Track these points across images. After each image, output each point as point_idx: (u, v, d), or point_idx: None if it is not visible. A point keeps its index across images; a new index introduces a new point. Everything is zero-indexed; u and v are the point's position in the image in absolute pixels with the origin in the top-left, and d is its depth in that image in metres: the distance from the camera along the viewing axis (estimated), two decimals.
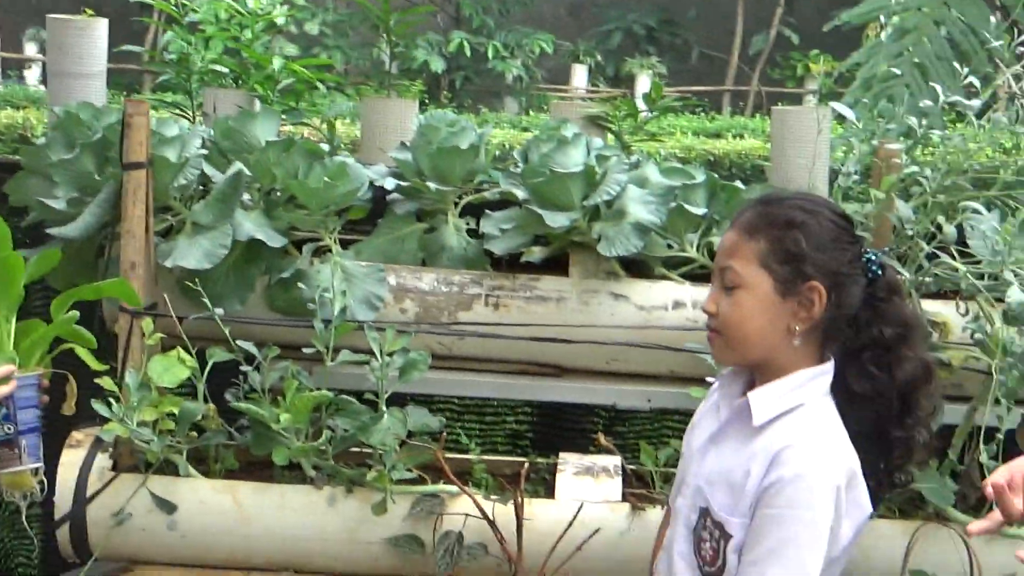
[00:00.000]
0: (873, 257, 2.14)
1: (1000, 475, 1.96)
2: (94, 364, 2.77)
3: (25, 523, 2.80)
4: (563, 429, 3.75)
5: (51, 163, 3.28)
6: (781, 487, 2.01)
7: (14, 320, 2.58)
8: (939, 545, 3.01)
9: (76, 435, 3.11)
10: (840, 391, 2.14)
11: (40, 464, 2.58)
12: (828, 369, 2.12)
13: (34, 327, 2.61)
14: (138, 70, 12.33)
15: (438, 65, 13.14)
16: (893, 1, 5.43)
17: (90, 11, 4.37)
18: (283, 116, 3.89)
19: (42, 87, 12.23)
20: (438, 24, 14.59)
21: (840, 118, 3.85)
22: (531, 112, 12.88)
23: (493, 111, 12.81)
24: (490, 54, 13.77)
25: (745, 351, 2.13)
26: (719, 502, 2.09)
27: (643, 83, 14.87)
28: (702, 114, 11.80)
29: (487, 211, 3.44)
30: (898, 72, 4.20)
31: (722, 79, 15.54)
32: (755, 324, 2.09)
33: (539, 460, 3.35)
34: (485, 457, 3.31)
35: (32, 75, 13.97)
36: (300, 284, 3.21)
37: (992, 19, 3.05)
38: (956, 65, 3.13)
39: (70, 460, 3.03)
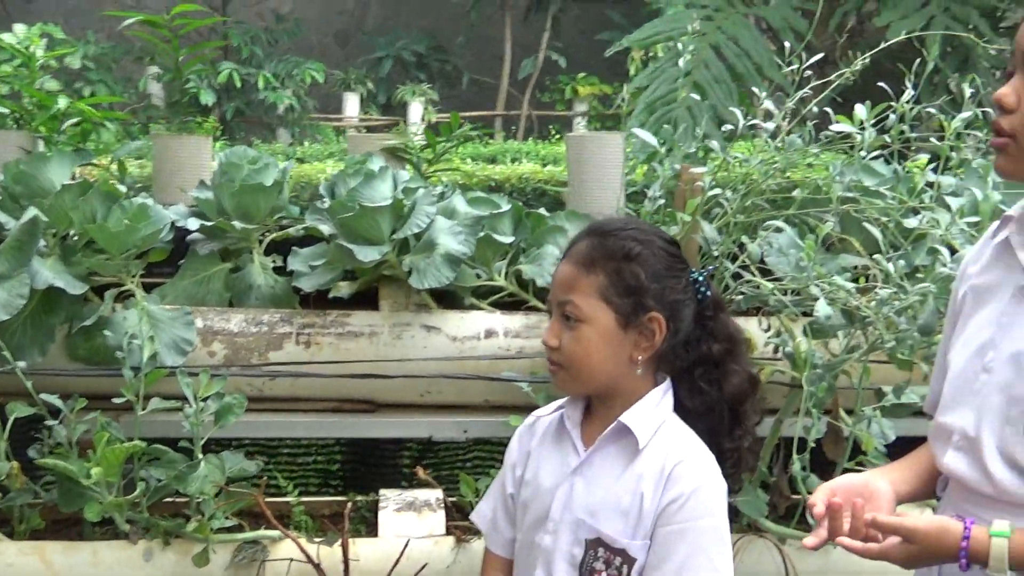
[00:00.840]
0: (700, 278, 2.19)
1: (824, 495, 2.02)
2: None
3: None
4: (375, 465, 3.71)
5: None
6: (683, 502, 2.06)
7: None
8: (756, 555, 3.09)
9: None
10: (674, 408, 2.19)
11: None
12: (670, 384, 2.17)
13: None
14: None
15: (208, 97, 12.88)
16: (671, 27, 5.61)
17: None
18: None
19: None
20: (206, 55, 14.34)
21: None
22: (306, 143, 12.79)
23: (265, 142, 12.66)
24: (261, 84, 13.59)
25: (589, 382, 2.15)
26: (614, 529, 2.10)
27: (415, 110, 14.94)
28: (477, 140, 11.91)
29: (295, 248, 3.39)
30: (696, 97, 4.32)
31: (493, 104, 15.72)
32: (599, 357, 2.12)
33: (359, 498, 3.31)
34: (304, 499, 3.26)
35: None
36: (104, 331, 3.10)
37: (787, 44, 3.15)
38: (755, 90, 3.22)
39: None
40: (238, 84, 13.35)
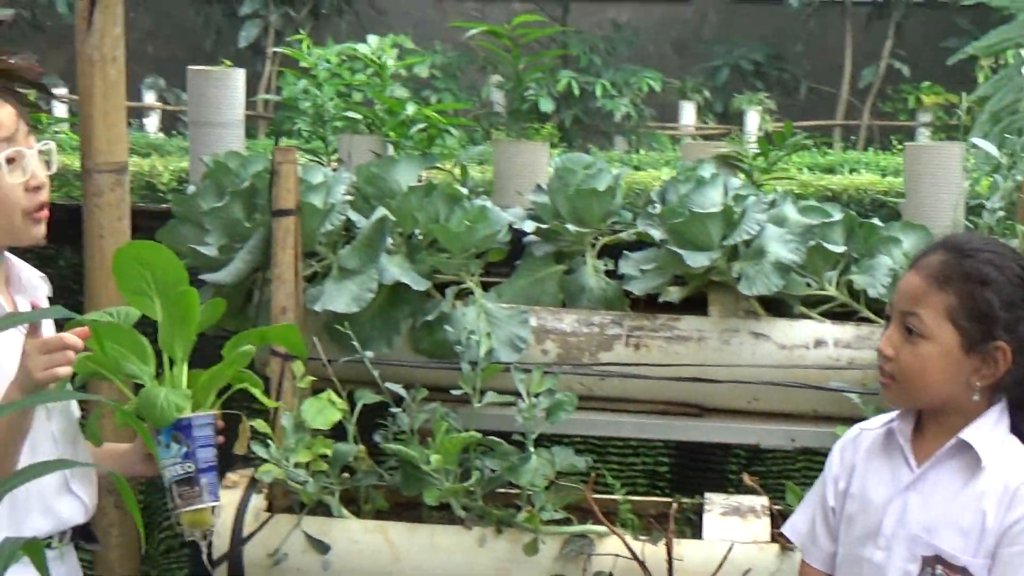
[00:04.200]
0: None
1: None
2: (266, 401, 2.83)
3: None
4: (702, 470, 3.75)
5: (203, 211, 3.37)
6: None
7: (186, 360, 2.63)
8: None
9: (231, 477, 3.18)
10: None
11: (218, 502, 2.60)
12: (1006, 404, 2.12)
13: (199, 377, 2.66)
14: (255, 116, 12.60)
15: (547, 105, 13.20)
16: (1020, 33, 5.40)
17: (228, 61, 4.49)
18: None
19: (162, 135, 12.54)
20: (544, 64, 14.69)
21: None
22: (642, 151, 12.91)
23: (602, 150, 12.86)
24: (598, 93, 13.82)
25: (920, 398, 2.14)
26: (954, 547, 2.08)
27: (752, 119, 14.83)
28: (814, 149, 11.74)
29: (626, 252, 3.47)
30: None
31: (832, 113, 15.45)
32: (935, 376, 2.09)
33: (684, 500, 3.35)
34: (631, 497, 3.32)
35: (151, 123, 14.34)
36: (445, 327, 3.26)
37: None
38: None
39: (226, 501, 3.09)
40: (576, 92, 13.62)
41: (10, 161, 2.46)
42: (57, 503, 2.58)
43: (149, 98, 15.26)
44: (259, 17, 15.35)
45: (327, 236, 3.38)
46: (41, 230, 2.55)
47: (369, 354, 3.16)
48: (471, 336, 3.14)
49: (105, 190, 3.41)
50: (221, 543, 3.07)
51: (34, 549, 1.64)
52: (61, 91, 9.93)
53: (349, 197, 3.47)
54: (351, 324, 3.21)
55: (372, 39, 4.56)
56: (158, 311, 2.55)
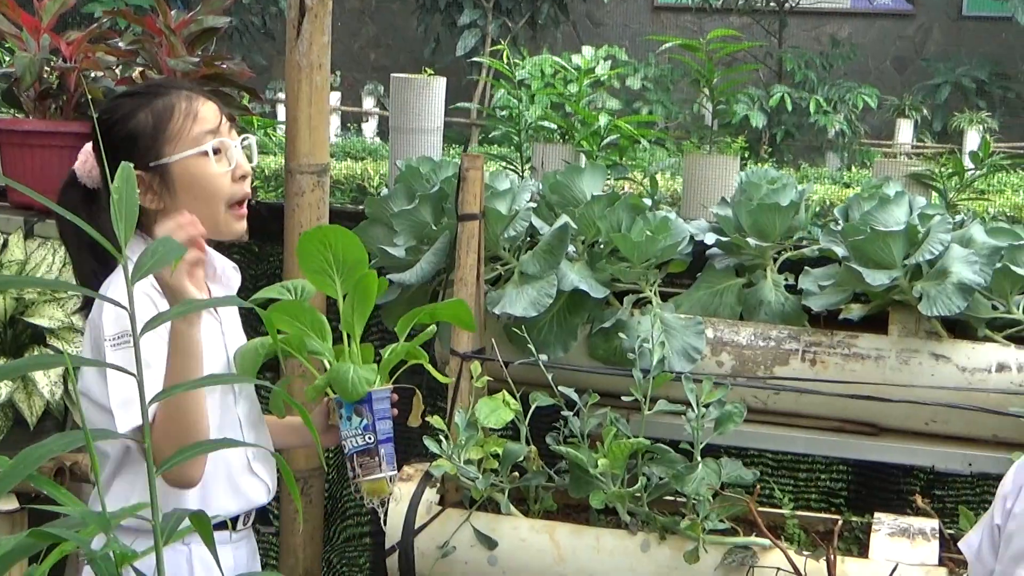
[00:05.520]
0: None
1: None
2: (439, 376, 2.91)
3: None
4: (878, 490, 3.71)
5: (393, 213, 3.51)
6: None
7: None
8: None
9: (407, 469, 3.30)
10: None
11: (395, 472, 2.71)
12: None
13: (368, 352, 2.78)
14: (467, 123, 12.87)
15: (758, 120, 13.13)
16: None
17: (430, 71, 4.65)
18: (607, 171, 4.02)
19: (378, 139, 12.92)
20: (760, 78, 14.59)
21: None
22: (853, 168, 12.72)
23: (814, 166, 12.72)
24: (812, 108, 13.66)
25: None
26: None
27: (972, 139, 14.44)
28: None
29: (806, 268, 3.47)
30: None
31: None
32: None
33: (853, 519, 3.33)
34: (798, 512, 3.32)
35: (369, 128, 14.78)
36: (620, 334, 3.32)
37: None
38: None
39: (402, 492, 3.22)
40: (789, 107, 13.50)
41: (215, 152, 2.63)
42: (243, 484, 2.73)
43: (368, 104, 15.72)
44: (477, 27, 15.66)
45: (510, 241, 3.48)
46: (242, 226, 2.72)
47: (544, 358, 3.24)
48: (644, 344, 3.19)
49: (306, 190, 3.58)
50: (394, 533, 3.19)
51: (201, 523, 1.76)
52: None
53: (534, 204, 3.56)
54: (529, 328, 3.30)
55: (586, 50, 4.66)
56: (338, 290, 2.68)
